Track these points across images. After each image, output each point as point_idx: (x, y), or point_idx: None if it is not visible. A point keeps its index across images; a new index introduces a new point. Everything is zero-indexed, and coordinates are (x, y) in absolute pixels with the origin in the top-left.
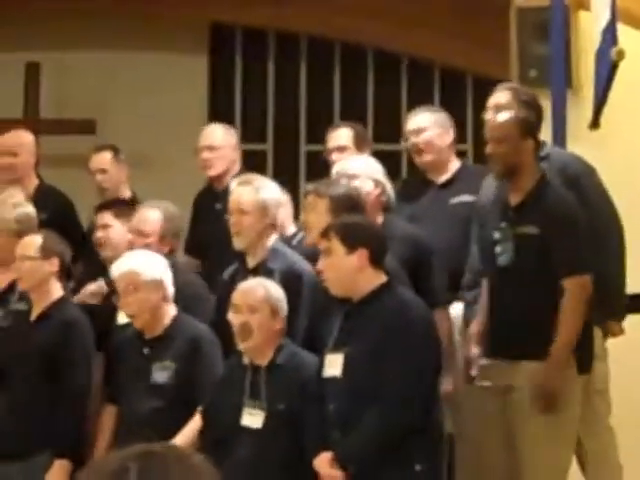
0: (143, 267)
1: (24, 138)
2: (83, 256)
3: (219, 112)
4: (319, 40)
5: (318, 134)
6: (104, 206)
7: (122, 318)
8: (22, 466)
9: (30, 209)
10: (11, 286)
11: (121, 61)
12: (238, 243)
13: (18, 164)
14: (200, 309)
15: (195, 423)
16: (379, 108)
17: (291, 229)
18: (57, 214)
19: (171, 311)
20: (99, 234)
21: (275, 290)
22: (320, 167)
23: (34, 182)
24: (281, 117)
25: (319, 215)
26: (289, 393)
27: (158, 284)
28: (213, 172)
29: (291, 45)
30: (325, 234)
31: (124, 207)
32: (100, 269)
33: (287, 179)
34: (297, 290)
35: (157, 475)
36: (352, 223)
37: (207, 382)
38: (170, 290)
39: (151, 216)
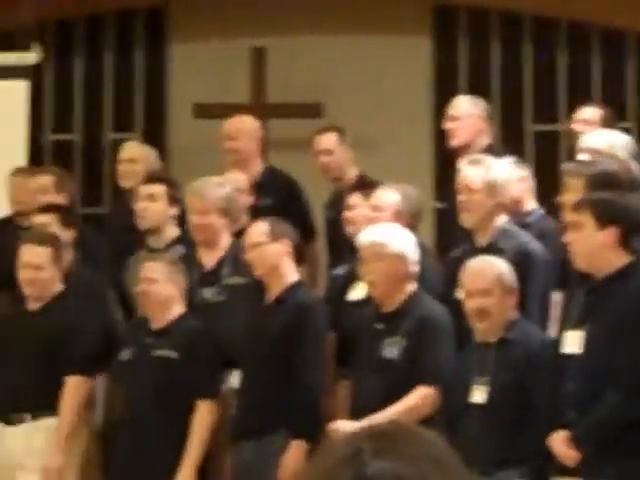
0: (389, 239)
1: (244, 124)
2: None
3: (444, 93)
4: (544, 19)
5: (544, 113)
6: (354, 187)
7: (353, 294)
8: (256, 445)
9: (232, 188)
10: (220, 263)
11: (346, 44)
12: (466, 220)
13: (239, 149)
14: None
15: (410, 400)
16: (605, 86)
17: (530, 205)
18: (283, 198)
19: (410, 287)
20: (347, 214)
21: (503, 267)
22: (547, 147)
23: (259, 167)
24: (506, 97)
25: (575, 194)
26: (515, 367)
27: (401, 258)
28: (455, 142)
29: (515, 25)
30: (577, 207)
31: (370, 188)
32: (345, 250)
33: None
34: (529, 270)
35: (391, 454)
36: (607, 199)
37: (431, 362)
38: (413, 267)
39: (388, 194)
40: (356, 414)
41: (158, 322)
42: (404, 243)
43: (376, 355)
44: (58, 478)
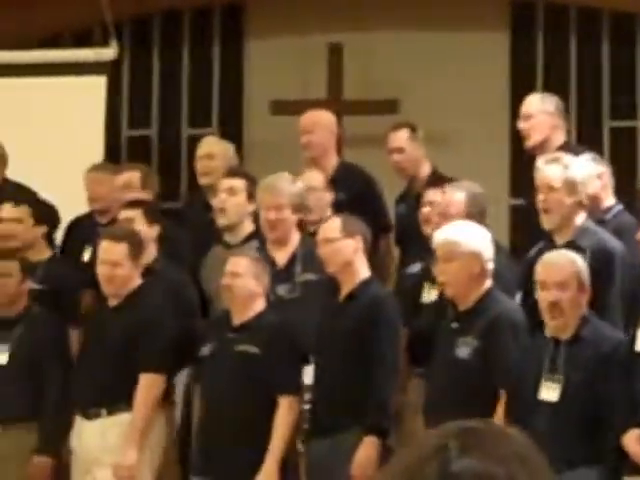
0: (463, 237)
1: (321, 117)
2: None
3: (521, 89)
4: (622, 15)
5: (622, 110)
6: (427, 184)
7: (428, 296)
8: (331, 442)
9: (305, 184)
10: (292, 260)
11: (422, 40)
12: (547, 221)
13: (315, 142)
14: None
15: (502, 408)
16: None
17: (609, 201)
18: (357, 193)
19: (485, 285)
20: (424, 211)
21: (580, 262)
22: (624, 143)
23: (333, 161)
24: (584, 92)
25: None
26: (588, 365)
27: (476, 256)
28: (530, 143)
29: (593, 20)
30: None
31: (443, 185)
32: (417, 245)
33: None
34: (609, 268)
35: (478, 452)
36: None
37: (501, 362)
38: (488, 265)
39: (455, 198)
40: (428, 412)
41: (240, 317)
42: (478, 240)
43: (449, 354)
44: (130, 475)
